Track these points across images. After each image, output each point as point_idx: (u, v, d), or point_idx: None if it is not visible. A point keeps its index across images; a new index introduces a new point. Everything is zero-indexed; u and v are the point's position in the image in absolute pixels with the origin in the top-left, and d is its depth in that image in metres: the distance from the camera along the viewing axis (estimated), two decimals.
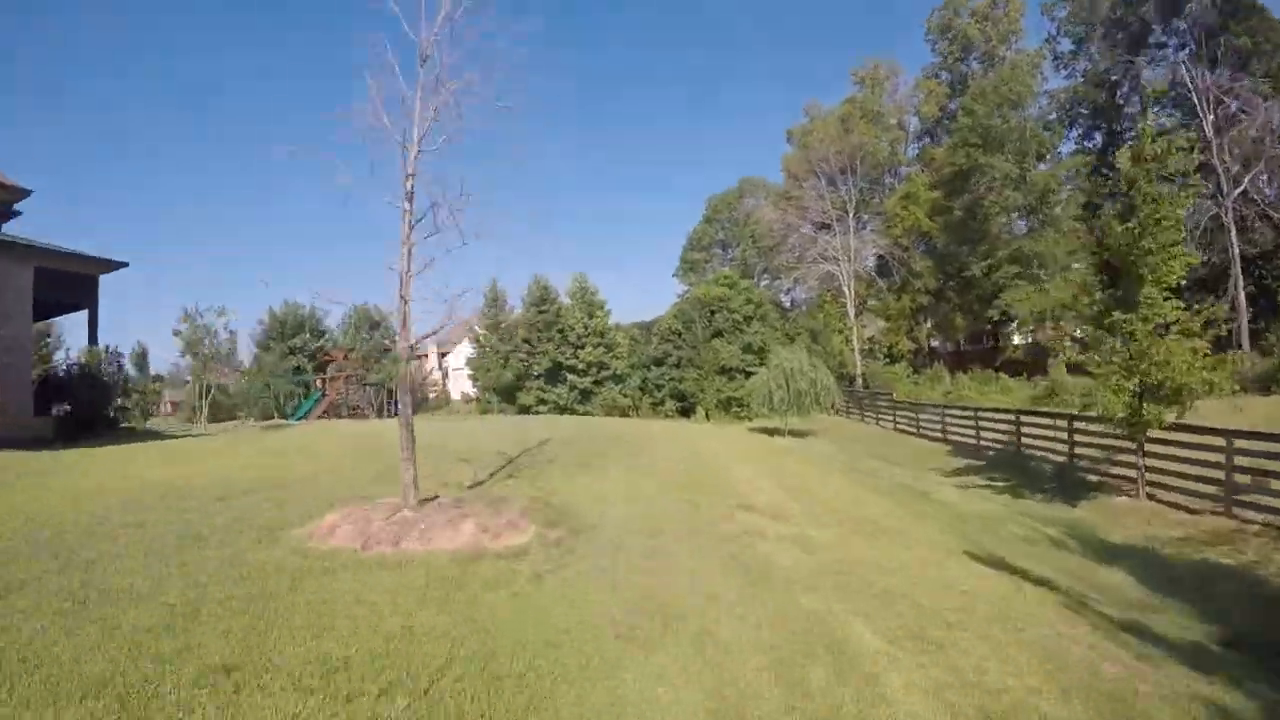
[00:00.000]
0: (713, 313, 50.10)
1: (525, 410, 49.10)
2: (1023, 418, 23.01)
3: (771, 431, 33.47)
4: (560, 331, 49.19)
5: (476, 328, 52.17)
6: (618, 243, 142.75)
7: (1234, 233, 44.01)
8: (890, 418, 34.20)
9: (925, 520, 13.78)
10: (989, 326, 59.91)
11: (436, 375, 73.56)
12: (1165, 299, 15.53)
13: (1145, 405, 15.12)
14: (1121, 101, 55.36)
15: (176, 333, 36.83)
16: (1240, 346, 42.18)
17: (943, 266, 52.90)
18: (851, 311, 52.27)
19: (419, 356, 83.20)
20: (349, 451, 17.70)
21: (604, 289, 57.38)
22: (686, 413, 49.19)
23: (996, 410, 26.68)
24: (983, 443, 24.42)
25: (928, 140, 59.82)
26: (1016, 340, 69.87)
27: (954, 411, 28.56)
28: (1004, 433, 23.78)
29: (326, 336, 67.79)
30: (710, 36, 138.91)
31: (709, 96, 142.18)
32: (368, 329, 75.80)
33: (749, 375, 48.81)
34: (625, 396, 49.00)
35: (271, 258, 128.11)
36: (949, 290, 54.76)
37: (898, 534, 11.84)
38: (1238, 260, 44.27)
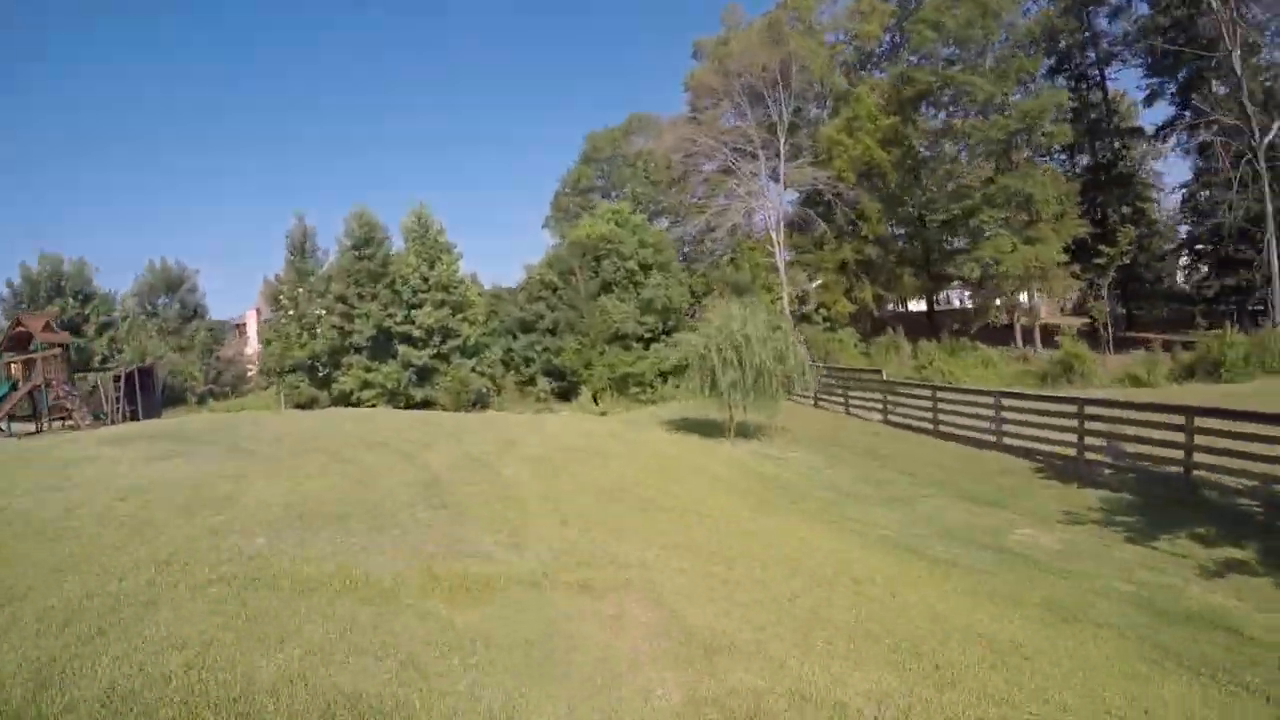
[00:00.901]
0: (598, 259, 37.45)
1: (345, 399, 35.19)
2: (1199, 419, 12.39)
3: (707, 430, 21.39)
4: (391, 286, 35.45)
5: (271, 279, 37.67)
6: (474, 202, 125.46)
7: (1268, 184, 34.48)
8: (878, 405, 22.82)
9: None
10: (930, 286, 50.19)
11: (254, 349, 57.87)
12: None
13: None
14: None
15: None
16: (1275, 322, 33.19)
17: (894, 210, 42.05)
18: (781, 263, 40.62)
19: (237, 326, 66.99)
20: None
21: (456, 236, 42.61)
22: (566, 395, 36.53)
23: (1131, 405, 15.28)
24: (1087, 454, 14.55)
25: (865, 71, 48.69)
26: (960, 300, 61.17)
27: (1021, 404, 17.54)
28: (1121, 436, 14.02)
29: (97, 300, 51.61)
30: None
31: (583, 20, 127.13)
32: (165, 291, 59.61)
33: (649, 344, 36.72)
34: (481, 374, 35.79)
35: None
36: (898, 240, 44.26)
37: None
38: (1271, 217, 34.80)
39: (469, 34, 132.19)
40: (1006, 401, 17.68)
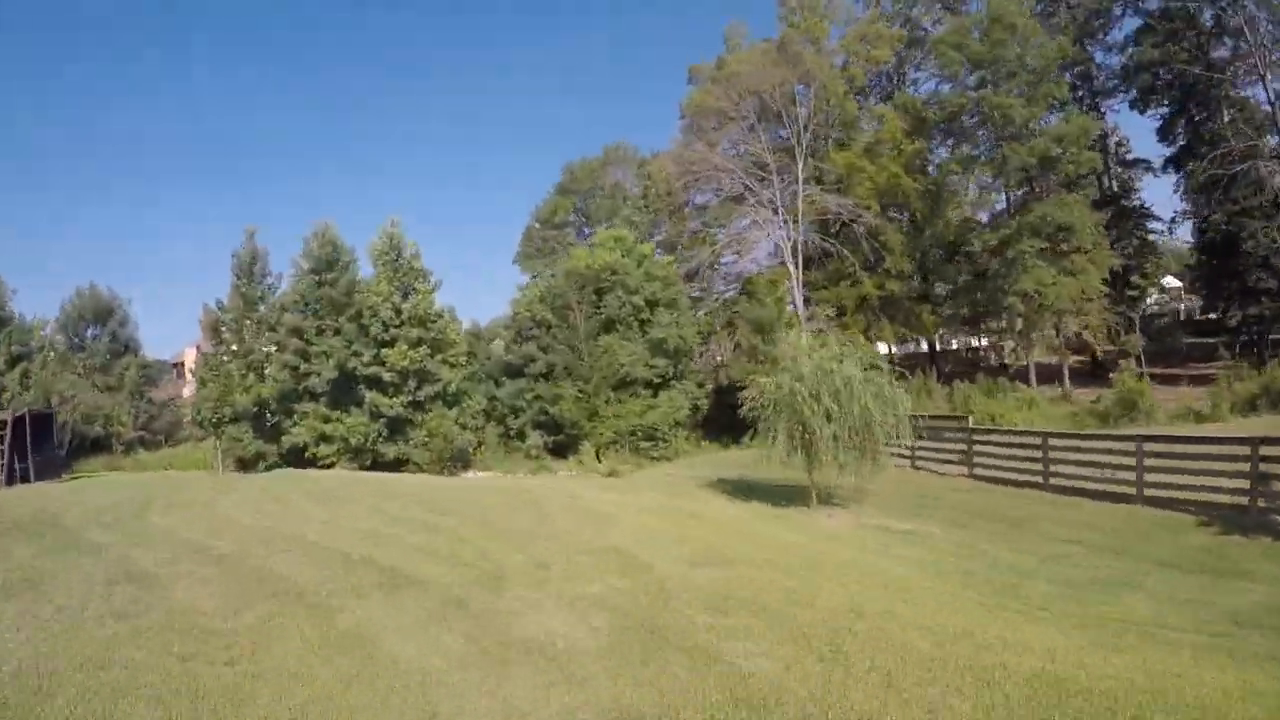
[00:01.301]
0: (600, 293, 32.60)
1: (297, 455, 29.28)
2: None
3: (772, 496, 17.15)
4: (357, 318, 29.96)
5: (212, 306, 31.52)
6: (432, 238, 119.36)
7: None
8: (955, 457, 19.85)
9: None
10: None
11: (191, 392, 51.26)
12: None
13: None
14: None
15: None
16: None
17: (917, 241, 38.42)
18: (799, 298, 36.35)
19: (174, 365, 60.24)
20: None
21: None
22: (562, 450, 31.26)
23: None
24: (1260, 502, 12.79)
25: (871, 99, 45.67)
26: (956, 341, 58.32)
27: (1167, 448, 15.76)
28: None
29: (12, 327, 44.82)
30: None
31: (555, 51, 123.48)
32: (94, 322, 52.62)
33: (657, 391, 31.94)
34: (464, 427, 30.23)
35: None
36: (918, 275, 40.61)
37: None
38: None
39: (436, 64, 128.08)
40: (1149, 446, 15.12)
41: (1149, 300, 49.47)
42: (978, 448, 19.39)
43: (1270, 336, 37.00)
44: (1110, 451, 16.29)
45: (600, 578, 6.97)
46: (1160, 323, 49.82)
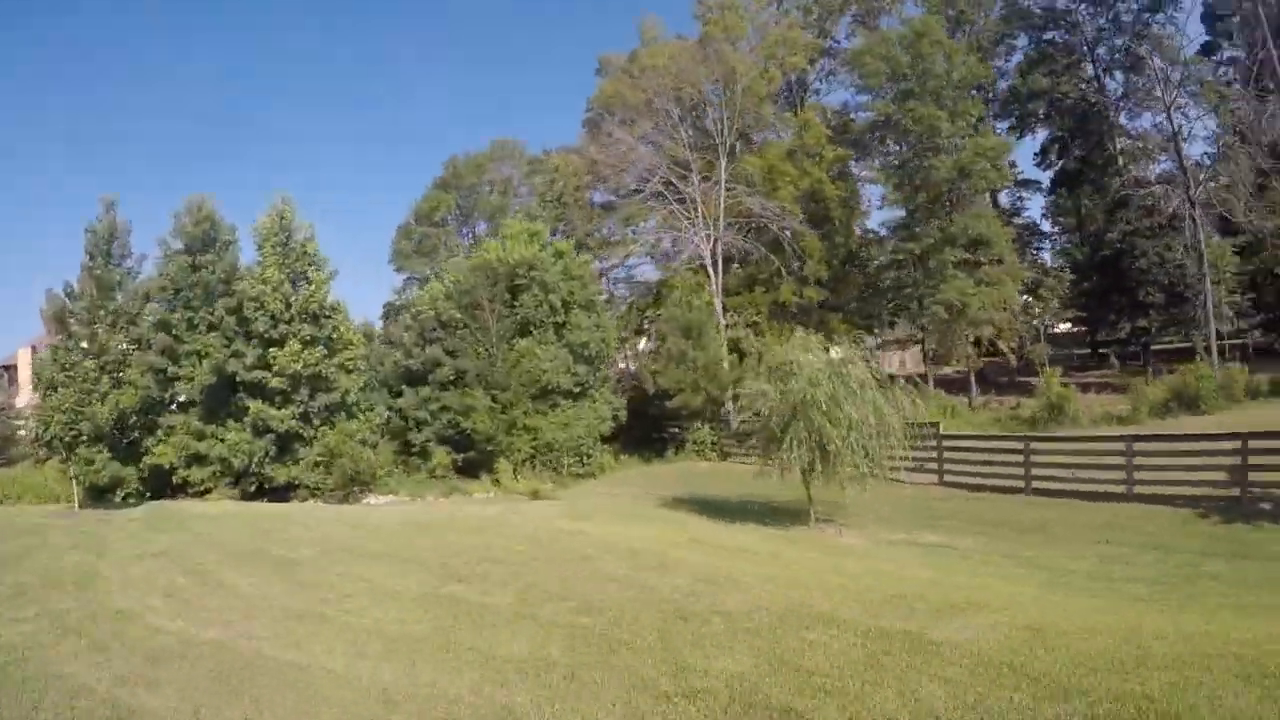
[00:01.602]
0: (514, 291, 30.02)
1: (163, 480, 24.99)
2: None
3: (759, 516, 16.00)
4: (238, 311, 25.92)
5: (58, 293, 26.24)
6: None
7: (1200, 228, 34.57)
8: (920, 463, 18.62)
9: None
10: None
11: (29, 399, 44.47)
12: None
13: None
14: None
15: None
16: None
17: (836, 248, 38.19)
18: (719, 305, 35.00)
19: (4, 369, 52.32)
20: None
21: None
22: (473, 469, 28.34)
23: None
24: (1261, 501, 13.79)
25: (780, 107, 45.23)
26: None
27: (1159, 446, 16.82)
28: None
29: None
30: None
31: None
32: None
33: (576, 399, 29.78)
34: (363, 444, 26.66)
35: None
36: (833, 282, 40.45)
37: None
38: (1207, 262, 34.93)
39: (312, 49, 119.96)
40: (1139, 446, 16.00)
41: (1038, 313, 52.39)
42: (948, 454, 19.55)
43: (1152, 346, 40.00)
44: (1096, 453, 17.51)
45: (900, 671, 4.65)
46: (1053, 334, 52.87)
